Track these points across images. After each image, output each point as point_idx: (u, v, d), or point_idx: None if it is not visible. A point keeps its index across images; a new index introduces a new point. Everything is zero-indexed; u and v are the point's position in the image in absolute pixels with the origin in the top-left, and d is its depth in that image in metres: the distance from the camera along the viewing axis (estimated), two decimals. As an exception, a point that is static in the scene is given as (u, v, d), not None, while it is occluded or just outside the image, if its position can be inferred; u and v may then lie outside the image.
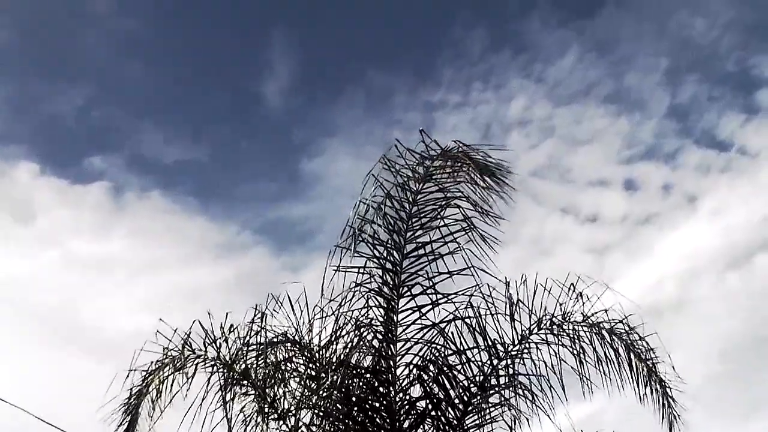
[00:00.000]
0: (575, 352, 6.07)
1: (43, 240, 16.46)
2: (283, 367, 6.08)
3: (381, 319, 6.04)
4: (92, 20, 16.54)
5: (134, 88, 17.11)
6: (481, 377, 6.03)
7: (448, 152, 5.76)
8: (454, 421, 5.93)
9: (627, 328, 6.23)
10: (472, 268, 5.75)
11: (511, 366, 6.06)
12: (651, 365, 6.27)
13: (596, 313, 6.25)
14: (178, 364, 5.99)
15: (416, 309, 6.03)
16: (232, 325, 6.10)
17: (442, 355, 6.05)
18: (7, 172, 16.51)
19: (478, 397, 6.00)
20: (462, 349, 6.06)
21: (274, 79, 16.96)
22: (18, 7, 15.88)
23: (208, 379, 5.89)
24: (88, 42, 16.54)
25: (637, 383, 6.28)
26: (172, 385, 6.04)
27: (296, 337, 6.32)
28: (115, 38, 16.59)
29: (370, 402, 6.01)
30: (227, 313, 6.15)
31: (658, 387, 6.34)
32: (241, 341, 6.02)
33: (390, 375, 5.99)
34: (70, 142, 17.29)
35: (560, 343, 6.09)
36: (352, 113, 17.03)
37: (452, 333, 6.09)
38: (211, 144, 17.55)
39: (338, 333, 6.00)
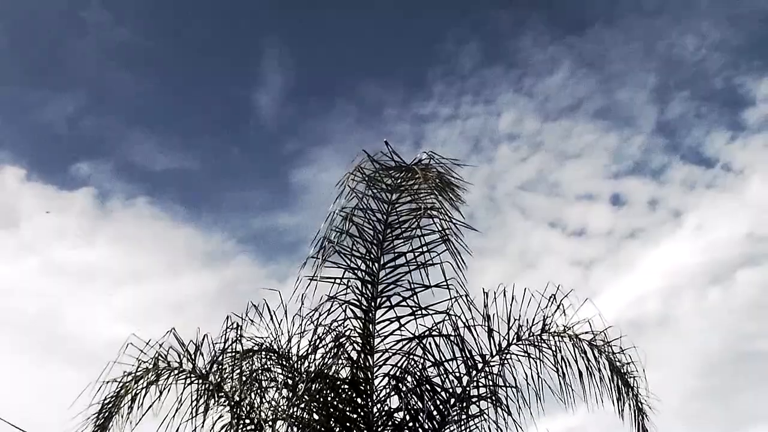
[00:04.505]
0: (554, 363, 6.05)
1: (26, 246, 16.34)
2: (259, 377, 6.04)
3: (359, 330, 6.02)
4: (85, 29, 16.56)
5: (126, 96, 17.05)
6: (460, 388, 6.01)
7: (415, 165, 5.79)
8: (432, 433, 5.89)
9: (606, 341, 6.22)
10: (450, 280, 5.74)
11: (489, 377, 6.04)
12: (627, 379, 6.26)
13: (576, 324, 6.24)
14: (152, 377, 5.93)
15: (394, 320, 6.01)
16: (206, 335, 6.06)
17: (421, 366, 6.03)
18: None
19: (457, 409, 5.98)
20: (440, 360, 6.04)
21: (266, 89, 16.99)
22: (10, 14, 15.88)
23: (182, 392, 5.84)
24: (81, 50, 16.53)
25: (617, 398, 6.26)
26: (144, 397, 5.96)
27: (275, 347, 6.28)
28: (107, 47, 16.57)
29: (347, 413, 5.97)
30: (198, 328, 6.10)
31: (634, 402, 6.32)
32: (217, 352, 5.96)
33: (367, 386, 5.95)
34: (59, 148, 17.20)
35: (538, 356, 6.07)
36: (343, 124, 17.08)
37: (431, 344, 6.06)
38: (201, 153, 17.51)
39: (317, 343, 5.98)
